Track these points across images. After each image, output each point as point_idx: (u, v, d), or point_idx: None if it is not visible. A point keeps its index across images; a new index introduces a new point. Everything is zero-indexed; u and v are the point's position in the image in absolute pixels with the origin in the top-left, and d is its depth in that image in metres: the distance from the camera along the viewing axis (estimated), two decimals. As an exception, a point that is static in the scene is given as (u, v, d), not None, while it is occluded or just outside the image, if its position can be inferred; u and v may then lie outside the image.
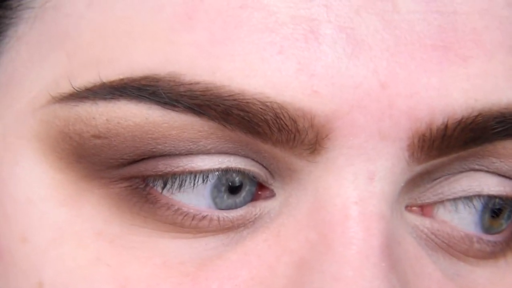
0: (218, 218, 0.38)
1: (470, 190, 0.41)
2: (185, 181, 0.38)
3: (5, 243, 0.40)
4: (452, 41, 0.37)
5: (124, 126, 0.37)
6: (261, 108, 0.36)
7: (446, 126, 0.37)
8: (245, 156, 0.38)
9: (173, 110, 0.37)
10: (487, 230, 0.42)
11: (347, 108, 0.36)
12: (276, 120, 0.36)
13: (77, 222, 0.39)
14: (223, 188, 0.39)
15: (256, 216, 0.39)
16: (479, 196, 0.41)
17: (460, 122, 0.37)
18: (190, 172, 0.38)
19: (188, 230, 0.38)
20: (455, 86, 0.37)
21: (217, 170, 0.38)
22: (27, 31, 0.41)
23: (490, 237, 0.41)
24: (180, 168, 0.38)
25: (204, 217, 0.38)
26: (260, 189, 0.39)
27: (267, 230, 0.39)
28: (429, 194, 0.40)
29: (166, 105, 0.36)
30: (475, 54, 0.37)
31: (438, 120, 0.37)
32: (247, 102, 0.36)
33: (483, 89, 0.37)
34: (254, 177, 0.39)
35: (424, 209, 0.41)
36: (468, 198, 0.41)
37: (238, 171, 0.38)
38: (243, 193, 0.39)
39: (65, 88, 0.38)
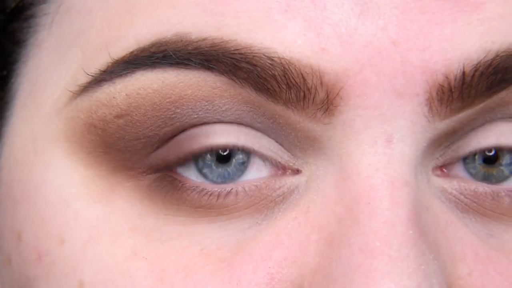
0: (244, 189, 0.38)
1: (486, 141, 0.39)
2: (206, 158, 0.39)
3: (44, 247, 0.41)
4: None
5: (143, 96, 0.38)
6: (268, 63, 0.36)
7: (463, 73, 0.36)
8: (266, 134, 0.38)
9: (186, 68, 0.37)
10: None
11: (357, 66, 0.35)
12: (284, 76, 0.36)
13: (111, 219, 0.39)
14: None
15: (283, 189, 0.38)
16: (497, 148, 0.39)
17: (477, 66, 0.36)
18: (211, 149, 0.38)
19: (220, 211, 0.38)
20: (469, 33, 0.36)
21: (235, 146, 0.38)
22: (45, 37, 0.42)
23: None
24: (201, 144, 0.38)
25: (229, 192, 0.38)
26: (279, 169, 0.39)
27: (297, 207, 0.38)
28: (449, 151, 0.39)
29: (179, 65, 0.37)
30: (488, 0, 0.36)
31: (455, 68, 0.36)
32: (254, 56, 0.36)
33: (499, 31, 0.36)
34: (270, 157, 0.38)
35: (447, 169, 0.39)
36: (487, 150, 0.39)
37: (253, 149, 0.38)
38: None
39: (82, 79, 0.39)
